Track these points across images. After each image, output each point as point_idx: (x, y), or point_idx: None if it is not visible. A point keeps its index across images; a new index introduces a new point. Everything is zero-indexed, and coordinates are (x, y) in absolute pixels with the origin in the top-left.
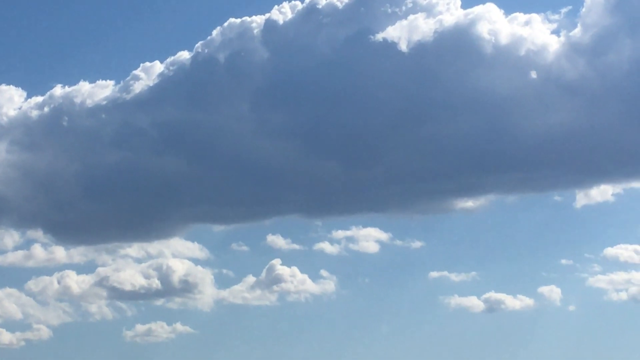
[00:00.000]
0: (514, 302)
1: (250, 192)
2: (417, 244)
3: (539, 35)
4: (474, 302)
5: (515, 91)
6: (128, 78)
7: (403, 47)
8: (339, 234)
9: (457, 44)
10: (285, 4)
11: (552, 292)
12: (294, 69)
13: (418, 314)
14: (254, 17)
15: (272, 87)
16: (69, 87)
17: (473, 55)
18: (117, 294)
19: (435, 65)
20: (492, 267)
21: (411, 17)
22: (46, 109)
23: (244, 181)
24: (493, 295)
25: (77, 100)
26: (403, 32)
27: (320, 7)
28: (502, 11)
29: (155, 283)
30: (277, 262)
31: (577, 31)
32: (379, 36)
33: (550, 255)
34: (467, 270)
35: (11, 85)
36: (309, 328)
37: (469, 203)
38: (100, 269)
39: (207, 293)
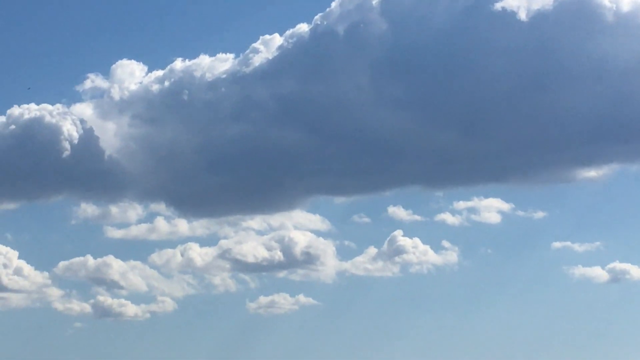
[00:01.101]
0: (639, 272)
1: (371, 163)
2: (540, 214)
3: None
4: (598, 273)
5: (637, 59)
6: (247, 51)
7: (522, 16)
8: (460, 204)
9: (577, 12)
10: None
11: None
12: (413, 40)
13: (541, 284)
14: None
15: (390, 59)
16: (189, 60)
17: (594, 23)
18: (239, 266)
19: (555, 34)
20: (617, 237)
21: None
22: (167, 83)
23: (365, 153)
24: (618, 265)
25: (197, 74)
26: (522, 1)
27: None
28: None
29: (278, 255)
30: (398, 233)
31: None
32: (498, 5)
33: None
34: (590, 240)
35: (132, 60)
36: (432, 299)
37: (591, 172)
38: (222, 242)
39: (329, 265)
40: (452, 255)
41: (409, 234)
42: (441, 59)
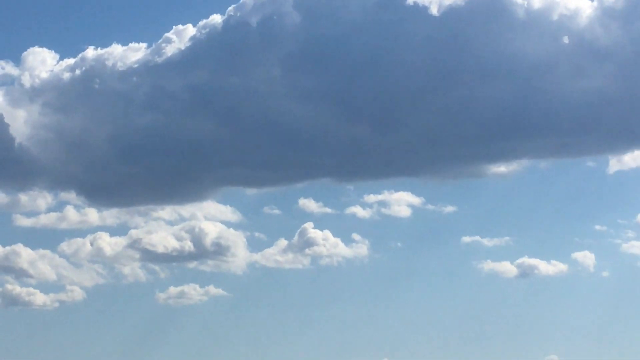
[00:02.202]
0: (548, 268)
1: (282, 155)
2: (450, 209)
3: None
4: (507, 268)
5: (548, 56)
6: (160, 41)
7: (434, 10)
8: (371, 198)
9: (489, 8)
10: None
11: (586, 257)
12: (326, 33)
13: (450, 279)
14: None
15: (303, 51)
16: (101, 49)
17: (505, 19)
18: (149, 256)
19: (466, 29)
20: (526, 233)
21: None
22: (78, 72)
23: (276, 145)
24: (526, 260)
25: (109, 62)
26: None
27: None
28: None
29: (188, 245)
30: (309, 225)
31: None
32: (410, 0)
33: (583, 220)
34: (500, 235)
35: (44, 48)
36: (342, 292)
37: (501, 168)
38: (132, 231)
39: (240, 256)
40: (362, 248)
41: (319, 226)
42: (354, 52)
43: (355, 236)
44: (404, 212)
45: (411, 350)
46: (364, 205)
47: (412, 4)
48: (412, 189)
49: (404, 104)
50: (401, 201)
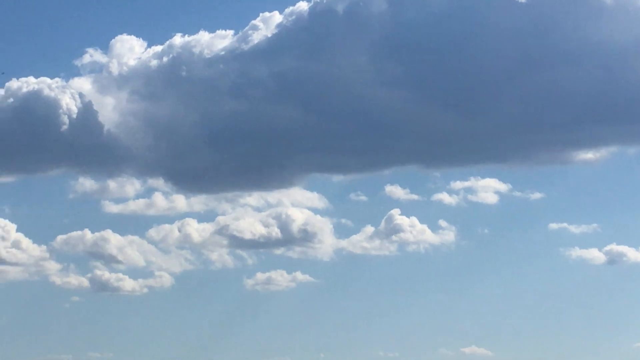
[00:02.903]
0: (637, 255)
1: (369, 142)
2: (537, 195)
3: None
4: (595, 255)
5: (636, 41)
6: (247, 28)
7: None
8: (457, 184)
9: None
10: None
11: None
12: (412, 20)
13: (537, 265)
14: None
15: (390, 38)
16: (188, 36)
17: (591, 5)
18: (237, 242)
19: (553, 15)
20: (614, 219)
21: None
22: (165, 59)
23: (363, 131)
24: (615, 247)
25: (196, 50)
26: None
27: None
28: None
29: (275, 232)
30: (395, 212)
31: None
32: None
33: None
34: (588, 222)
35: (132, 35)
36: (428, 278)
37: (589, 154)
38: (220, 218)
39: (327, 242)
40: (449, 235)
41: (406, 213)
42: (440, 39)
43: (442, 223)
44: (491, 198)
45: (497, 337)
46: (451, 192)
47: None
48: (499, 175)
49: (490, 90)
50: (488, 188)
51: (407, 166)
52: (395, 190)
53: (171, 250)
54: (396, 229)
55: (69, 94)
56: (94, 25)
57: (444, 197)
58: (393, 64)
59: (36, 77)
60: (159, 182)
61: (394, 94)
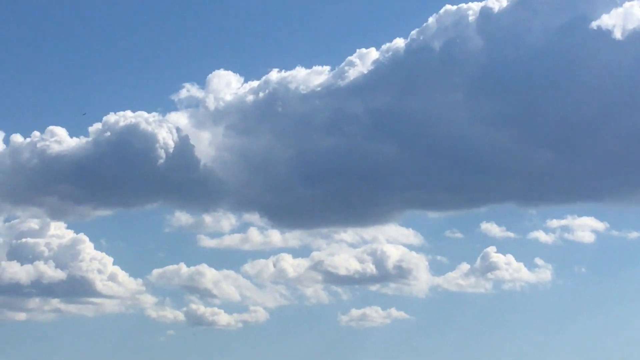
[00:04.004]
0: None
1: (465, 179)
2: (635, 234)
3: None
4: None
5: None
6: (343, 64)
7: (618, 34)
8: (554, 223)
9: None
10: None
11: None
12: (509, 58)
13: (636, 306)
14: (469, 5)
15: (486, 75)
16: (285, 72)
17: None
18: (332, 278)
19: None
20: None
21: (627, 4)
22: (261, 94)
23: (459, 169)
24: None
25: (292, 85)
26: (618, 20)
27: None
28: None
29: (370, 268)
30: (491, 249)
31: None
32: (594, 24)
33: None
34: None
35: (229, 70)
36: (525, 317)
37: None
38: (315, 253)
39: (422, 279)
40: (545, 273)
41: (502, 250)
42: (537, 76)
43: (538, 261)
44: (588, 237)
45: None
46: (547, 230)
47: (595, 28)
48: (596, 214)
49: (587, 128)
50: (585, 226)
51: (503, 204)
52: (491, 228)
53: (266, 285)
54: (492, 267)
55: (166, 128)
56: (191, 60)
57: (540, 235)
58: (489, 101)
59: (133, 111)
60: (254, 217)
61: (490, 131)
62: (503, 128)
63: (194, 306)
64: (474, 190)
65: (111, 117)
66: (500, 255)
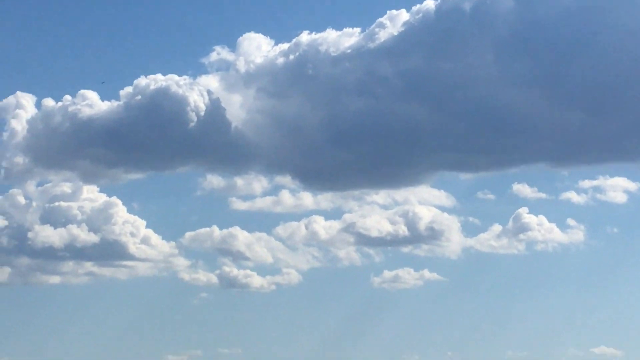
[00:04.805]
0: None
1: (496, 140)
2: None
3: None
4: None
5: None
6: (373, 26)
7: None
8: (586, 183)
9: None
10: None
11: None
12: (539, 18)
13: None
14: None
15: (517, 36)
16: (315, 34)
17: None
18: (364, 239)
19: None
20: None
21: None
22: (292, 57)
23: (490, 130)
24: None
25: (323, 48)
26: None
27: None
28: None
29: (402, 229)
30: (523, 210)
31: None
32: None
33: None
34: None
35: (259, 33)
36: (557, 277)
37: None
38: (347, 215)
39: (454, 240)
40: (578, 234)
41: (534, 211)
42: (567, 36)
43: (571, 222)
44: (620, 197)
45: (627, 337)
46: (579, 191)
47: None
48: (628, 174)
49: (619, 88)
50: (617, 187)
51: (535, 165)
52: (523, 189)
53: (298, 247)
54: (524, 228)
55: (197, 92)
56: (222, 23)
57: (573, 196)
58: (520, 62)
59: (164, 74)
60: (286, 179)
61: (522, 91)
62: (534, 88)
63: (226, 269)
64: (506, 151)
65: (142, 81)
66: (532, 216)
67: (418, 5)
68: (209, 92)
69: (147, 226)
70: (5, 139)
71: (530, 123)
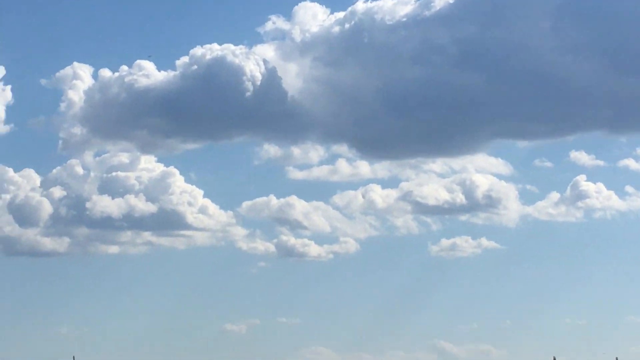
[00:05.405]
0: None
1: (553, 108)
2: None
3: None
4: None
5: None
6: None
7: None
8: None
9: None
10: None
11: None
12: None
13: None
14: None
15: (573, 3)
16: (371, 2)
17: None
18: (421, 208)
19: None
20: None
21: None
22: (347, 26)
23: (547, 97)
24: None
25: (378, 16)
26: None
27: None
28: None
29: (459, 198)
30: (581, 178)
31: None
32: None
33: None
34: None
35: (315, 2)
36: (616, 245)
37: None
38: (404, 184)
39: (512, 208)
40: (636, 201)
41: (592, 179)
42: (626, 4)
43: (629, 189)
44: None
45: None
46: (637, 158)
47: None
48: None
49: None
50: None
51: (593, 132)
52: (581, 156)
53: (356, 216)
54: (582, 195)
55: (253, 61)
56: None
57: (631, 163)
58: (577, 29)
59: (220, 43)
60: (342, 148)
61: (579, 59)
62: (591, 56)
63: (284, 238)
64: (563, 118)
65: (198, 50)
66: (590, 183)
67: None
68: (265, 62)
69: (205, 196)
70: (62, 110)
71: (588, 90)
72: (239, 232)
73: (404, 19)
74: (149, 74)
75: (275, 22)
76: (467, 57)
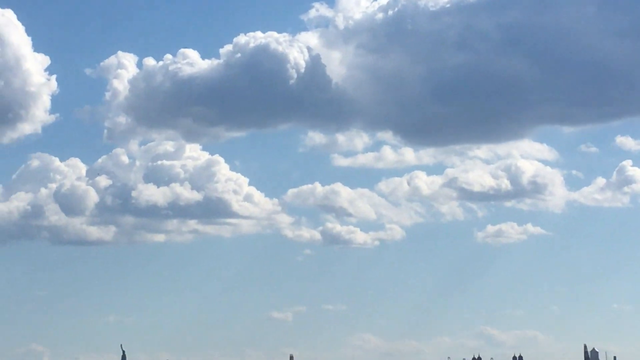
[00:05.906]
0: None
1: (599, 93)
2: None
3: None
4: None
5: None
6: None
7: None
8: None
9: None
10: None
11: None
12: None
13: None
14: None
15: None
16: None
17: None
18: (466, 194)
19: None
20: None
21: None
22: (390, 12)
23: (593, 82)
24: None
25: (421, 2)
26: None
27: None
28: None
29: (505, 184)
30: (627, 163)
31: None
32: None
33: None
34: None
35: None
36: None
37: None
38: (449, 170)
39: (558, 194)
40: None
41: (638, 164)
42: None
43: None
44: None
45: None
46: None
47: None
48: None
49: None
50: None
51: (639, 116)
52: (627, 141)
53: (401, 203)
54: (628, 180)
55: (296, 48)
56: None
57: None
58: (622, 14)
59: (263, 31)
60: (387, 135)
61: (624, 43)
62: (637, 40)
63: (329, 225)
64: (609, 103)
65: (241, 38)
66: (636, 168)
67: None
68: (309, 49)
69: (250, 183)
70: (107, 99)
71: (633, 75)
72: (285, 219)
73: (448, 5)
74: (193, 62)
75: (319, 10)
76: (511, 43)
